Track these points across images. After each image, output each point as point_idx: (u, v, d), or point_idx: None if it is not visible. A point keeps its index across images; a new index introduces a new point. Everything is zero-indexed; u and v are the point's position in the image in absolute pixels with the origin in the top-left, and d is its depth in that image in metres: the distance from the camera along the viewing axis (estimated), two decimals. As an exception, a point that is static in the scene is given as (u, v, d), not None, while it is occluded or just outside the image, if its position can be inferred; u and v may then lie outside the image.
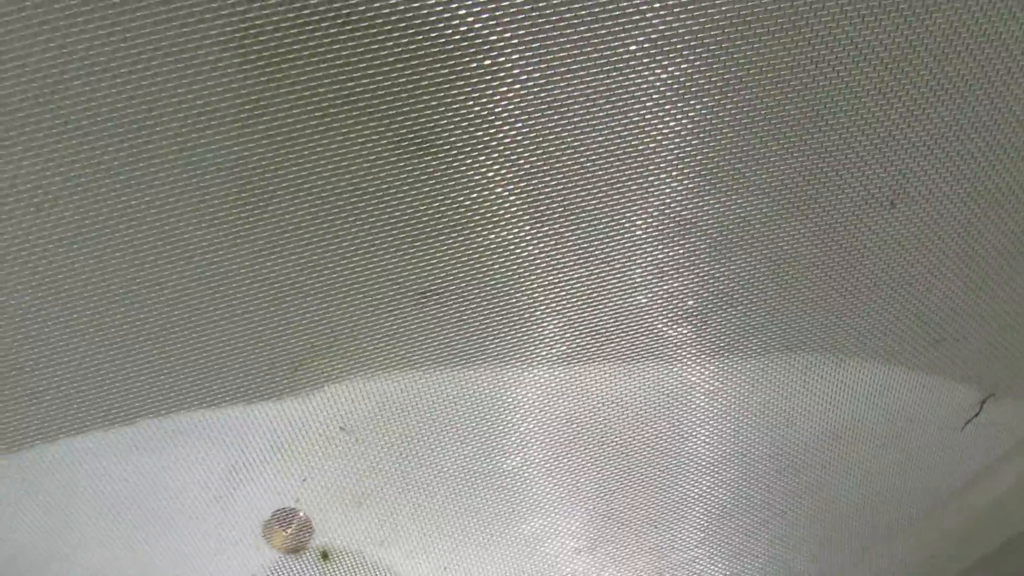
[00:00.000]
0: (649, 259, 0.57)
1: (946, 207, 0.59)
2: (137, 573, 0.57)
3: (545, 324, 0.60)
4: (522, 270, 0.57)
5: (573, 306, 0.60)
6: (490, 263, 0.56)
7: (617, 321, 0.61)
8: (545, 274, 0.58)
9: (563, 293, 0.59)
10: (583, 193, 0.54)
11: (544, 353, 0.62)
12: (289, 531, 0.62)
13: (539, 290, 0.58)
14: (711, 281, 0.59)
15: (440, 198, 0.52)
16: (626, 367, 0.63)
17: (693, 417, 0.66)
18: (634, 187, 0.54)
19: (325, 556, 0.65)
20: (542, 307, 0.59)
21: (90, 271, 0.49)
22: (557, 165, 0.52)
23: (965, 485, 0.63)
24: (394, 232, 0.53)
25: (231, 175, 0.47)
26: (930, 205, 0.58)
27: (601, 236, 0.56)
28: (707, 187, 0.54)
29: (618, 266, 0.58)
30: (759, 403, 0.66)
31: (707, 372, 0.64)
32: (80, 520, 0.56)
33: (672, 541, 0.71)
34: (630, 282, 0.59)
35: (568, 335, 0.62)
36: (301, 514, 0.63)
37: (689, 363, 0.63)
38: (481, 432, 0.67)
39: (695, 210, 0.56)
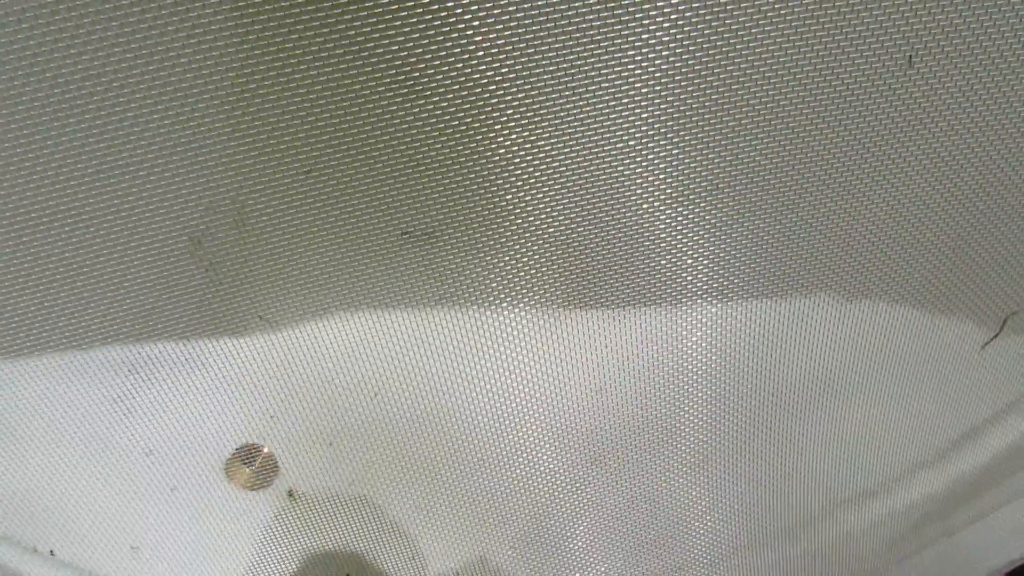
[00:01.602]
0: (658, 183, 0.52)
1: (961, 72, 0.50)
2: (82, 510, 0.54)
3: (538, 263, 0.56)
4: (512, 206, 0.52)
5: (569, 246, 0.55)
6: (480, 200, 0.51)
7: (623, 258, 0.56)
8: (539, 208, 0.53)
9: (559, 233, 0.54)
10: (584, 117, 0.48)
11: (535, 296, 0.58)
12: (250, 469, 0.59)
13: (533, 226, 0.53)
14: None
15: (428, 130, 0.46)
16: (627, 312, 0.59)
17: (694, 363, 0.62)
18: (637, 96, 0.47)
19: (291, 495, 0.62)
20: (536, 246, 0.54)
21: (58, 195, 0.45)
22: (557, 87, 0.46)
23: (971, 435, 0.59)
24: (379, 169, 0.48)
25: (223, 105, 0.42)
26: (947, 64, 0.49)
27: (602, 159, 0.51)
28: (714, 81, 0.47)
29: (624, 194, 0.53)
30: (758, 341, 0.62)
31: (709, 313, 0.59)
32: (25, 445, 0.53)
33: (665, 489, 0.68)
34: (636, 214, 0.54)
35: (563, 277, 0.57)
36: (266, 451, 0.61)
37: (693, 303, 0.59)
38: (462, 375, 0.64)
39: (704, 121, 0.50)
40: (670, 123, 0.48)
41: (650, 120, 0.47)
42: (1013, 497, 0.53)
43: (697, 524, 0.66)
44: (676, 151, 0.50)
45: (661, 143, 0.49)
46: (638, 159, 0.49)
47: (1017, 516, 0.53)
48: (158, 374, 0.58)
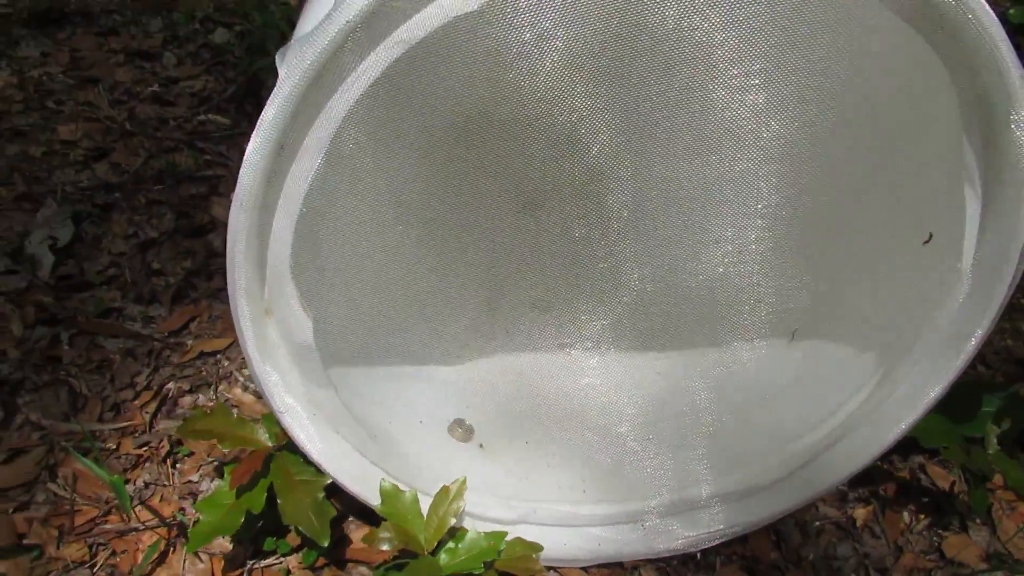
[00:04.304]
0: None
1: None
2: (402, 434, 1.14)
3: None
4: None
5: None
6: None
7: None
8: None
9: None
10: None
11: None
12: (462, 430, 1.18)
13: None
14: None
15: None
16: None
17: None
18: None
19: (481, 446, 1.20)
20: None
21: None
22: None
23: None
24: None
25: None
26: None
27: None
28: None
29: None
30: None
31: None
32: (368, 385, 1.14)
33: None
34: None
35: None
36: (467, 422, 1.19)
37: None
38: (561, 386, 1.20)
39: None
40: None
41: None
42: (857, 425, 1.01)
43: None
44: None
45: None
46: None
47: (853, 443, 1.01)
48: (424, 385, 1.18)
